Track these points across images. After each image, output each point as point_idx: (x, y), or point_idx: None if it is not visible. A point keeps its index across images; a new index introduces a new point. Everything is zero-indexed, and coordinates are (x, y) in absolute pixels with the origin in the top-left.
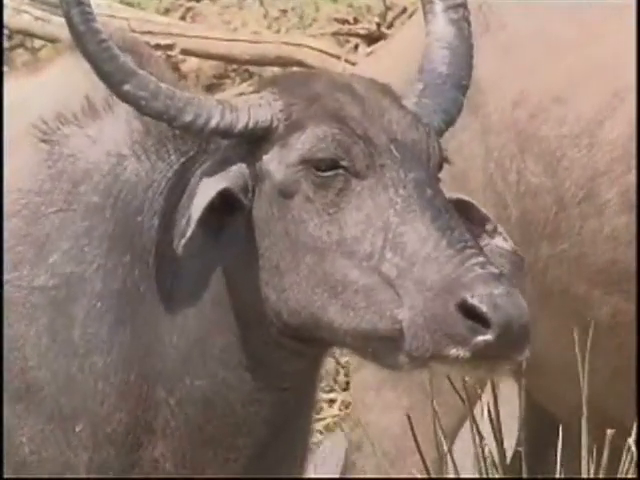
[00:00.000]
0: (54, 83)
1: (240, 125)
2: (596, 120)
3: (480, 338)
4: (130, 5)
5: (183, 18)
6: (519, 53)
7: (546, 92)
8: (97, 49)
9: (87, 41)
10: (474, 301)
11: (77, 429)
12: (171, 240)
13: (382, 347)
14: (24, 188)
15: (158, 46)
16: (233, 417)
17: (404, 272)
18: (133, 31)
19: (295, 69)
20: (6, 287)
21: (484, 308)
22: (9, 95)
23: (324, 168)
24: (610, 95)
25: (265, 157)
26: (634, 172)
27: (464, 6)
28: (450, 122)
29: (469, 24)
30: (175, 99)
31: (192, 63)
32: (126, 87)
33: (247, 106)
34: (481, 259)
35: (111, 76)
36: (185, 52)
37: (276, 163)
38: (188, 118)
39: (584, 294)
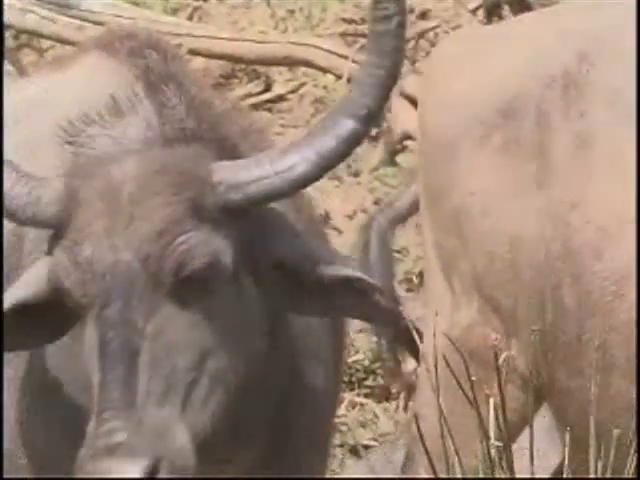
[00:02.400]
0: (79, 81)
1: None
2: None
3: None
4: (136, 5)
5: (190, 18)
6: None
7: None
8: None
9: None
10: None
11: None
12: None
13: None
14: None
15: None
16: (225, 432)
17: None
18: None
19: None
20: None
21: None
22: (34, 92)
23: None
24: None
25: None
26: None
27: (396, 16)
28: (322, 168)
29: (399, 37)
30: None
31: (199, 63)
32: None
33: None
34: (113, 424)
35: None
36: (192, 52)
37: None
38: None
39: None
